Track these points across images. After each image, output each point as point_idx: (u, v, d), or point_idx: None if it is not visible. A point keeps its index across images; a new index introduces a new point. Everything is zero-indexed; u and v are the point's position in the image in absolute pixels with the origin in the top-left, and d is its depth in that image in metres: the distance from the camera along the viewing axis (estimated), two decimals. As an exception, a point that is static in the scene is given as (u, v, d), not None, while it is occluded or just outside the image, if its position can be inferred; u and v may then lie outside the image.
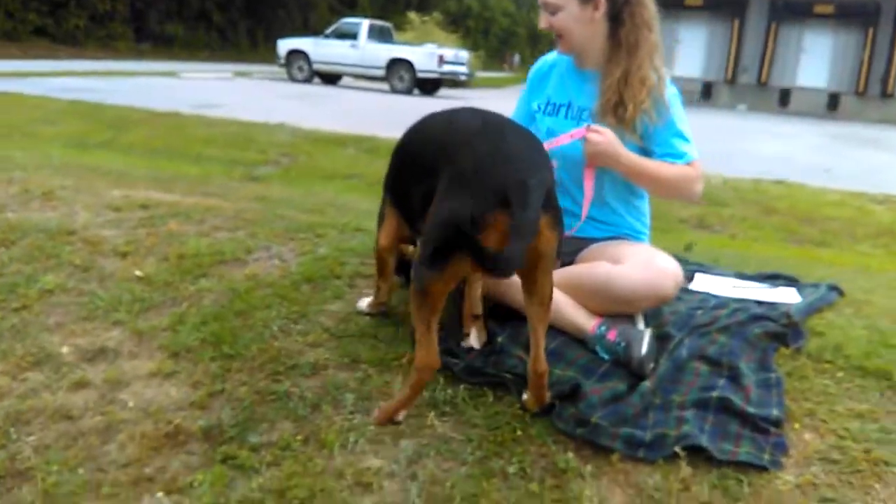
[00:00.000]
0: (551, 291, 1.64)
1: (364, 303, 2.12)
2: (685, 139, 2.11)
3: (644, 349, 1.83)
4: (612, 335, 1.89)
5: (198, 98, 11.05)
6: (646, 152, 2.11)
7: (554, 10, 2.06)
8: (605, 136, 2.03)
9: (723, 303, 2.29)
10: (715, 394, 1.76)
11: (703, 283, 2.51)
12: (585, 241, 2.20)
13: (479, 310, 1.98)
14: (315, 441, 1.62)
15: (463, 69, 17.80)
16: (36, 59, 19.04)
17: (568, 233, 2.00)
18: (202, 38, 29.42)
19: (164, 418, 1.70)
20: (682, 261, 2.27)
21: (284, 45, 18.17)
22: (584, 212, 2.12)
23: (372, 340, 1.99)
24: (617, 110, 2.06)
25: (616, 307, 1.97)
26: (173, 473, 1.55)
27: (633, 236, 2.25)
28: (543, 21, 2.10)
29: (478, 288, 1.97)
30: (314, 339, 1.99)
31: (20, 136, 6.61)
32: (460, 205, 1.42)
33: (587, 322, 1.94)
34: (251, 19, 31.27)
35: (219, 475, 1.52)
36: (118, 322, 2.08)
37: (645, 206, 2.30)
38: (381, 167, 1.95)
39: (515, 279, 1.65)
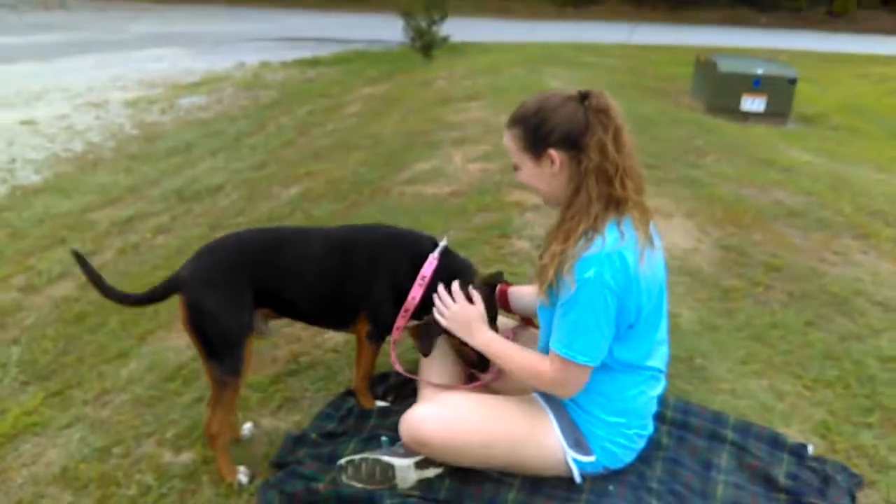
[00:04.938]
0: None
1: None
2: (565, 333, 1.86)
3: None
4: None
5: None
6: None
7: (515, 168, 1.97)
8: (450, 313, 2.08)
9: None
10: None
11: None
12: None
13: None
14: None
15: None
16: None
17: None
18: None
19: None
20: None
21: None
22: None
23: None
24: (538, 262, 1.95)
25: None
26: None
27: None
28: (517, 176, 2.01)
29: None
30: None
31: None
32: None
33: None
34: None
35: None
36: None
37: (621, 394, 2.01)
38: None
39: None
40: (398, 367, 2.29)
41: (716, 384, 2.66)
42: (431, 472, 2.07)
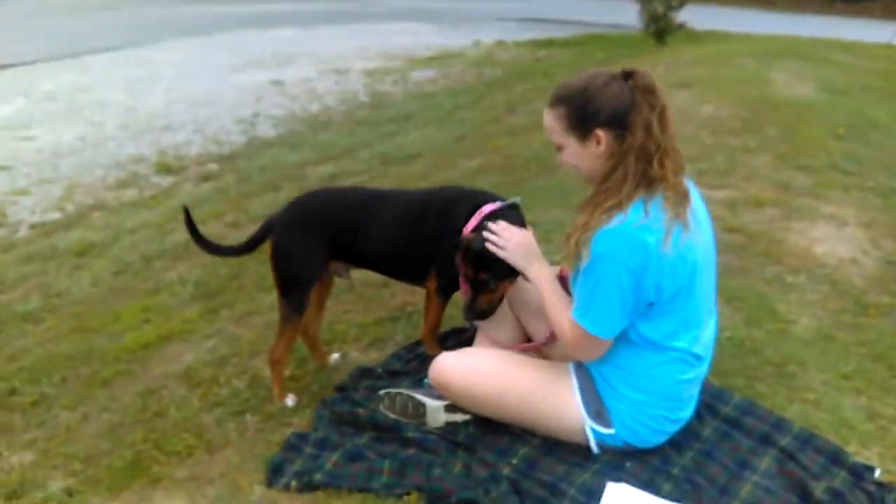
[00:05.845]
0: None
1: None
2: (581, 301, 1.94)
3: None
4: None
5: None
6: None
7: (559, 148, 2.00)
8: (511, 244, 2.13)
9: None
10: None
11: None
12: None
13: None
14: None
15: None
16: None
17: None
18: None
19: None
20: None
21: None
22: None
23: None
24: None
25: None
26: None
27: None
28: (558, 158, 2.03)
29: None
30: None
31: None
32: None
33: None
34: None
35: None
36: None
37: (649, 372, 2.02)
38: None
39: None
40: None
41: (800, 393, 2.52)
42: (459, 417, 2.24)
